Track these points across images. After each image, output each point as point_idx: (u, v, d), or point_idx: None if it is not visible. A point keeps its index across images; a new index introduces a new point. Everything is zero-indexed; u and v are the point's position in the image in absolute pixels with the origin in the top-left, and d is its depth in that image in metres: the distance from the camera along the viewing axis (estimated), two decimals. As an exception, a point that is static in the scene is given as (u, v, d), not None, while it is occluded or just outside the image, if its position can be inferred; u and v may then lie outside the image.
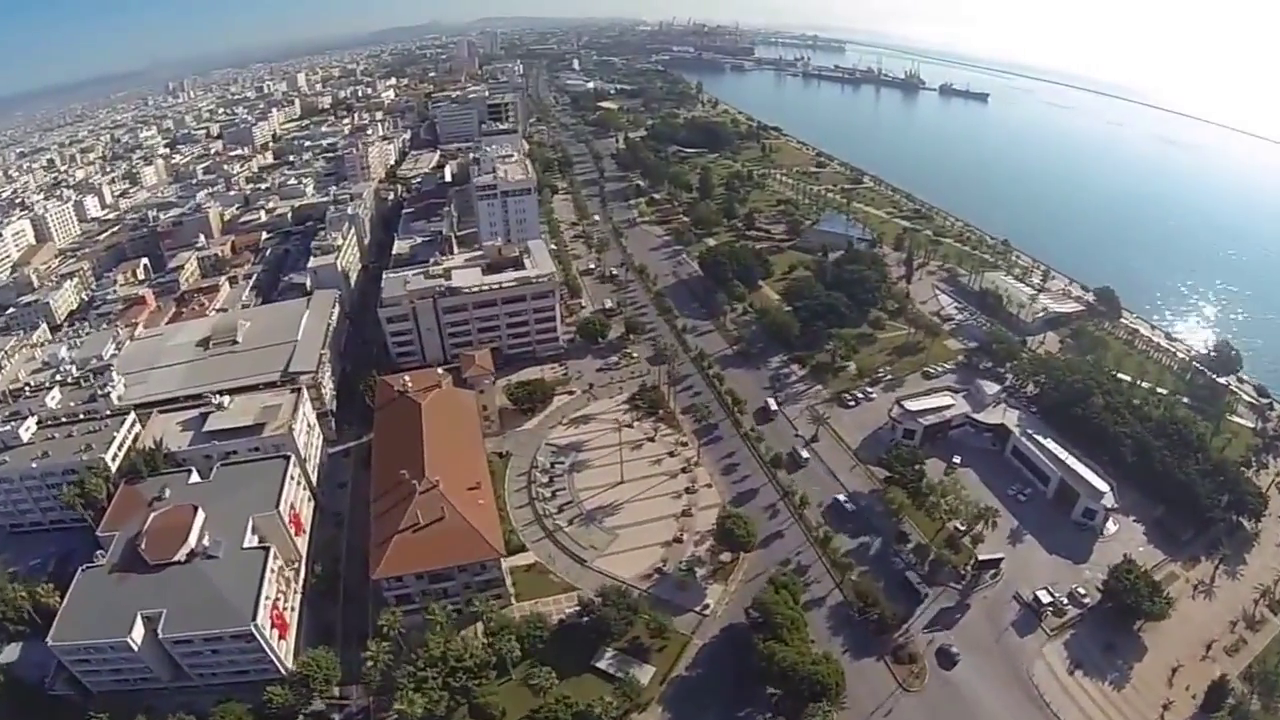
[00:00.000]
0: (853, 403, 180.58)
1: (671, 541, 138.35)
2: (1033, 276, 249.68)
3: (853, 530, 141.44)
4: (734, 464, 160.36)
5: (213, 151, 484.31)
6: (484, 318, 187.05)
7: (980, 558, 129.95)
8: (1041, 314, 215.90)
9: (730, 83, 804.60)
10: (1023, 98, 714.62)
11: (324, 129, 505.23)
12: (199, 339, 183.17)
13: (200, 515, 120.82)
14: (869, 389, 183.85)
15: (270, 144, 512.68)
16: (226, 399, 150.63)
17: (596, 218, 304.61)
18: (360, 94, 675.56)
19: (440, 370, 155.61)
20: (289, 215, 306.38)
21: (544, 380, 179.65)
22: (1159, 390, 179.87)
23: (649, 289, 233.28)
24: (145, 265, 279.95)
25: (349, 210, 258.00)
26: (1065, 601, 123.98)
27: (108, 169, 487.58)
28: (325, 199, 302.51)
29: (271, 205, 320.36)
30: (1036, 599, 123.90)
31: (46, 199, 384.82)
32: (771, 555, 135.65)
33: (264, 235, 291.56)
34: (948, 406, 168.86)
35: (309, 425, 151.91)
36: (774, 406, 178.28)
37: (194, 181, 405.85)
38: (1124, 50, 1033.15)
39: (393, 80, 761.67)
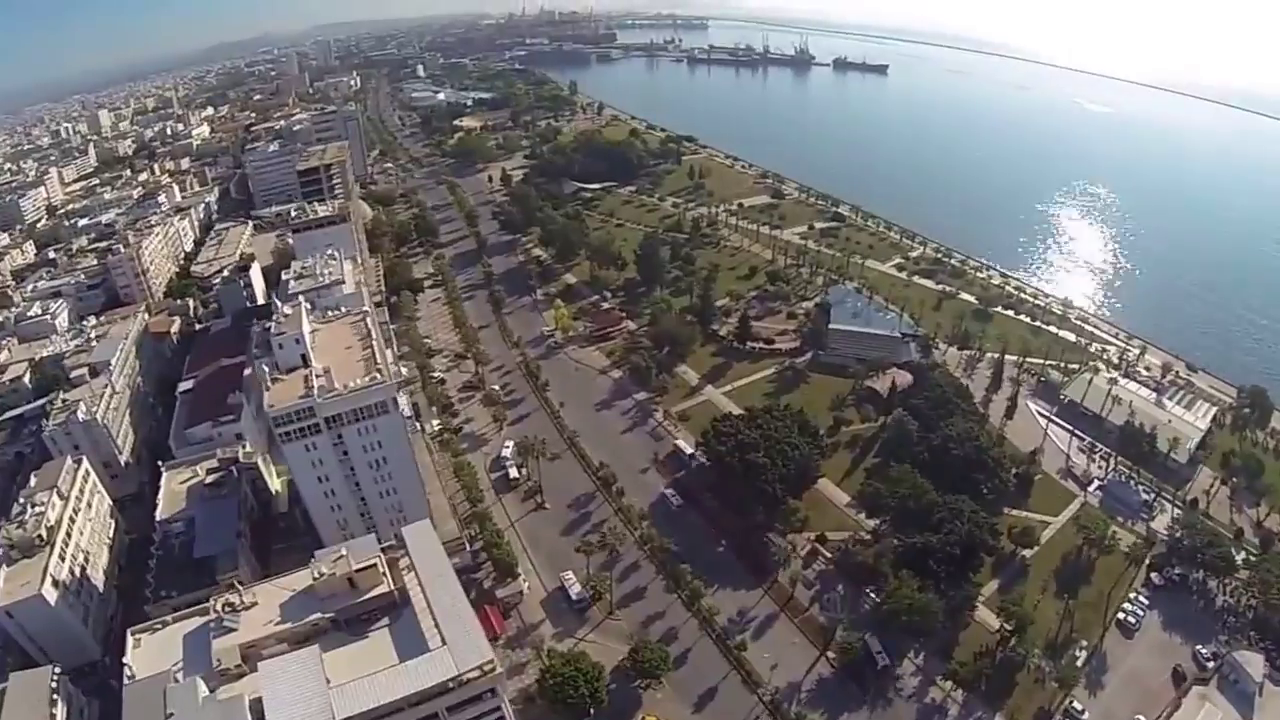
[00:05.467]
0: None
1: None
2: (1128, 355, 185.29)
3: None
4: None
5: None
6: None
7: None
8: (1193, 445, 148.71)
9: (600, 76, 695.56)
10: (919, 66, 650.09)
11: (109, 195, 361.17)
12: None
13: None
14: (1073, 702, 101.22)
15: (44, 221, 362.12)
16: None
17: (489, 330, 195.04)
18: (170, 132, 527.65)
19: None
20: (26, 378, 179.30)
21: None
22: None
23: (632, 527, 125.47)
24: None
25: (80, 414, 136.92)
26: None
27: None
28: (79, 343, 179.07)
29: (3, 358, 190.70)
30: None
31: None
32: None
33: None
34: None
35: None
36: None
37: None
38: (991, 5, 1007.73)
39: (210, 110, 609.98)
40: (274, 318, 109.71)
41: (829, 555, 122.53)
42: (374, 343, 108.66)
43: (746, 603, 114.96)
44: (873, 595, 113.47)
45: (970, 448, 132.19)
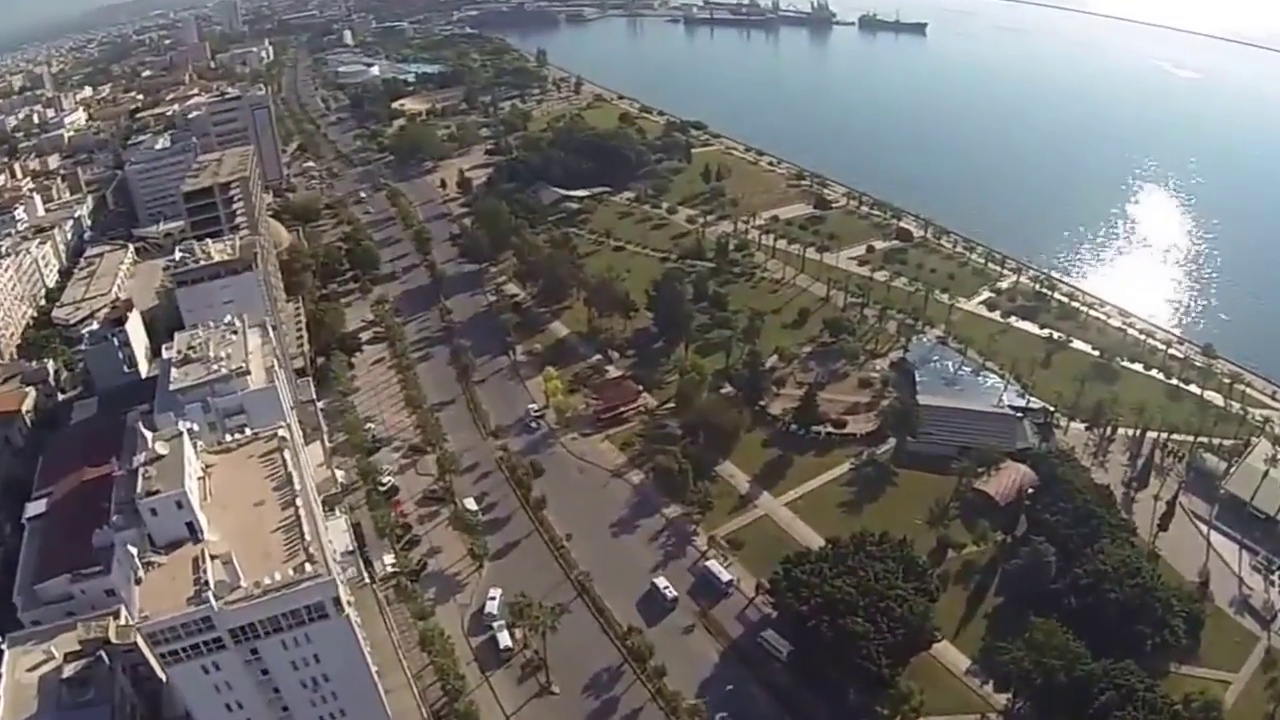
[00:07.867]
0: None
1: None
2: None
3: None
4: None
5: None
6: None
7: None
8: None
9: (573, 41, 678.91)
10: (964, 23, 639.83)
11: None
12: None
13: None
14: None
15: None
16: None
17: (454, 408, 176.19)
18: (37, 120, 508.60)
19: None
20: None
21: None
22: None
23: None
24: None
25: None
26: None
27: None
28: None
29: None
30: None
31: None
32: None
33: None
34: None
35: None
36: None
37: None
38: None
39: (88, 91, 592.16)
40: (140, 466, 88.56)
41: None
42: (299, 495, 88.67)
43: None
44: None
45: (1131, 588, 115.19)
